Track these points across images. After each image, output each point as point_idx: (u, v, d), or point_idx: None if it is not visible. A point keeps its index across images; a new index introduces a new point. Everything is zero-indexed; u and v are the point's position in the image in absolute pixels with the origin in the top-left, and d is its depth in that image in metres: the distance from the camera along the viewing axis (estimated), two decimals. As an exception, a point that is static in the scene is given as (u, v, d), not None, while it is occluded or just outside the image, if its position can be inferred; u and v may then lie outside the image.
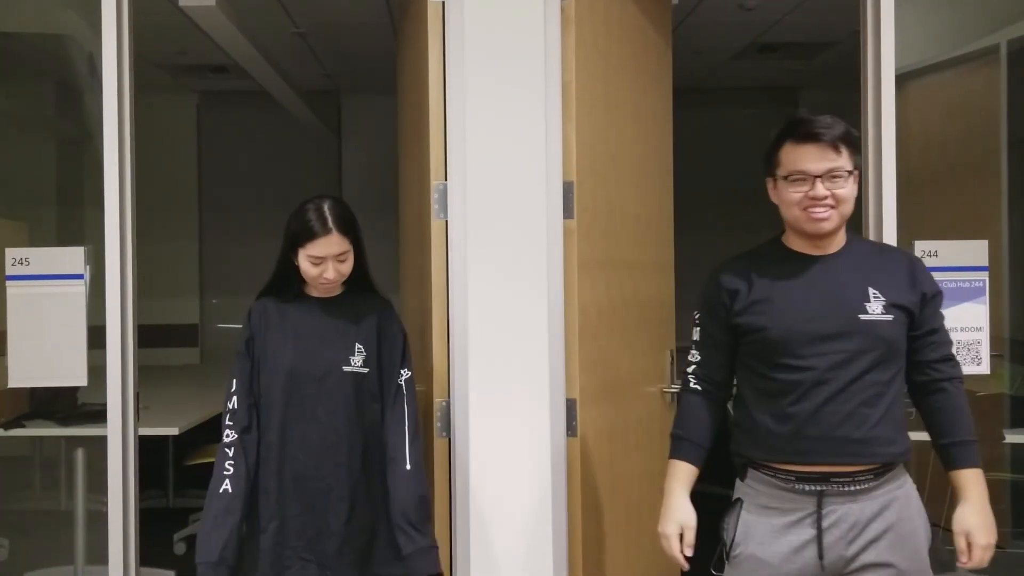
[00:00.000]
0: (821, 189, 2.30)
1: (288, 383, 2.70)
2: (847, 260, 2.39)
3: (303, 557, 2.69)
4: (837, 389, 2.27)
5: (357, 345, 2.74)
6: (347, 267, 2.73)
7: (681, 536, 2.39)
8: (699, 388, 2.48)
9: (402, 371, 2.77)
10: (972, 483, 2.36)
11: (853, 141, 2.34)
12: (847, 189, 2.32)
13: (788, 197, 2.35)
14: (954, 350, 2.45)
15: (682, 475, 2.44)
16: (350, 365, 2.72)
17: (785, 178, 2.34)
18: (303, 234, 2.68)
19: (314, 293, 2.79)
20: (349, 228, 2.71)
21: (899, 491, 2.34)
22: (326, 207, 2.70)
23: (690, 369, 2.50)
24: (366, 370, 2.73)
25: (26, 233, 4.33)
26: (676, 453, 2.47)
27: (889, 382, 2.31)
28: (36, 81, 4.97)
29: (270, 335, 2.74)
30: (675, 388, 3.52)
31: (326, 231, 2.67)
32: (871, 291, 2.32)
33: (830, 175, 2.30)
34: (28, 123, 5.03)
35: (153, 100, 6.68)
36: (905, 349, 2.36)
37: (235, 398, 2.70)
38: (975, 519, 2.34)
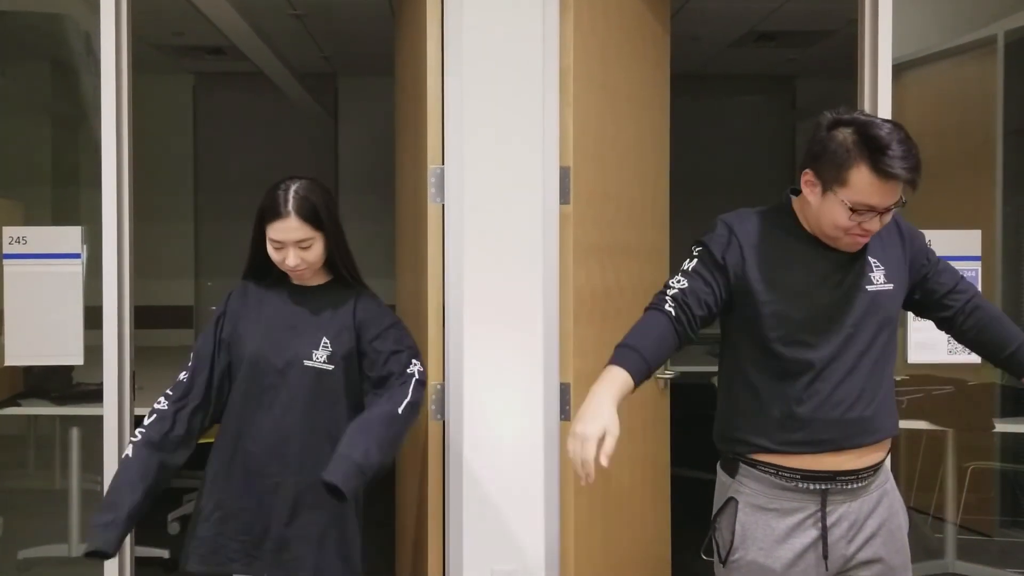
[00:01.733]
0: (877, 224, 2.14)
1: (250, 371, 2.56)
2: None
3: (251, 553, 2.55)
4: (849, 367, 2.19)
5: (324, 339, 2.56)
6: (312, 255, 2.54)
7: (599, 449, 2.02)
8: (672, 312, 2.16)
9: (412, 362, 2.59)
10: None
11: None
12: (890, 215, 2.17)
13: (838, 218, 2.14)
14: (945, 339, 2.45)
15: (619, 384, 2.07)
16: (312, 360, 2.54)
17: (847, 204, 2.11)
18: (265, 214, 2.53)
19: (295, 280, 2.63)
20: (312, 215, 2.51)
21: (887, 484, 2.33)
22: (292, 189, 2.52)
23: (670, 292, 2.19)
24: (330, 367, 2.55)
25: (22, 213, 4.33)
26: (620, 361, 2.10)
27: (888, 355, 2.27)
28: (33, 61, 4.96)
29: (243, 319, 2.61)
30: (669, 374, 3.54)
31: (284, 214, 2.49)
32: (871, 260, 2.24)
33: (888, 208, 2.14)
34: (24, 103, 5.03)
35: (150, 81, 6.68)
36: (897, 319, 2.29)
37: (183, 372, 2.62)
38: None
